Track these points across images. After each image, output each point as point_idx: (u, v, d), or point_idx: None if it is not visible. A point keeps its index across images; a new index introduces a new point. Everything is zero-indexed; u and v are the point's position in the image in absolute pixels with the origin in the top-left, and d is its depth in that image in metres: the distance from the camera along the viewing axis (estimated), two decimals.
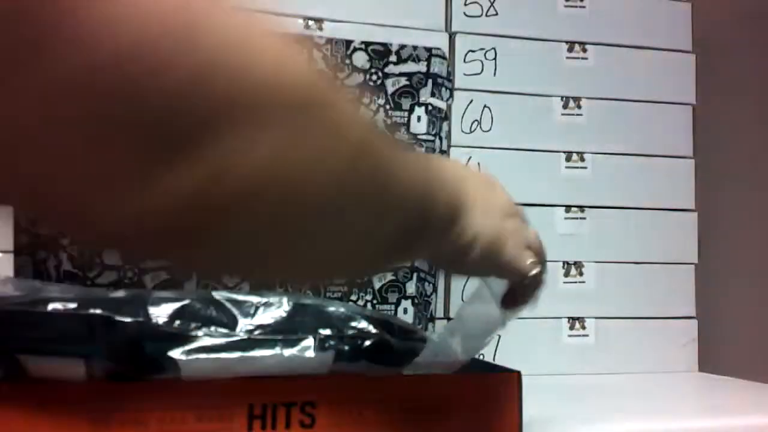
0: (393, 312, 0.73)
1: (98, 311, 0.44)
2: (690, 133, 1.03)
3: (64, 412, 0.44)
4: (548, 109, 0.98)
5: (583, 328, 0.97)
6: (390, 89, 0.70)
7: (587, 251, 0.98)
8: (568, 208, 0.98)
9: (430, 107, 0.72)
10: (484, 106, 0.96)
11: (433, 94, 0.72)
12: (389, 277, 0.73)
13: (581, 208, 0.98)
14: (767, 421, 0.71)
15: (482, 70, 0.96)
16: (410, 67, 0.71)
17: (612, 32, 1.01)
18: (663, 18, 1.03)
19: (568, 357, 0.96)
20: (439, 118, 0.73)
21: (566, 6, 1.00)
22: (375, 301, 0.72)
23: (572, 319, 0.96)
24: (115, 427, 0.44)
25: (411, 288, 0.74)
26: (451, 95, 0.72)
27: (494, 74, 0.96)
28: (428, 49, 0.71)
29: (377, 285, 0.72)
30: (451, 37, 0.96)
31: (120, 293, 0.47)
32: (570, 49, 0.99)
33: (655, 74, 1.02)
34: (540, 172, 0.97)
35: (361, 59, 0.69)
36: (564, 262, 0.97)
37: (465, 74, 0.95)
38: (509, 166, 0.96)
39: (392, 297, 0.73)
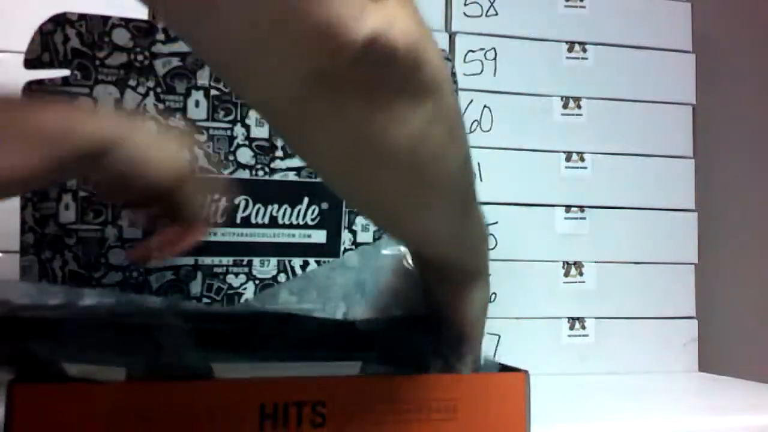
0: None
1: (137, 320, 0.45)
2: (690, 133, 1.03)
3: (81, 412, 0.44)
4: (548, 109, 0.98)
5: (583, 328, 0.97)
6: None
7: (587, 251, 0.98)
8: (568, 208, 0.98)
9: None
10: (484, 106, 0.96)
11: None
12: None
13: (581, 208, 0.98)
14: (767, 421, 0.71)
15: (482, 70, 0.96)
16: None
17: (612, 32, 1.01)
18: (663, 18, 1.03)
19: (568, 357, 0.96)
20: None
21: (566, 6, 1.00)
22: None
23: (572, 319, 0.97)
24: (129, 426, 0.45)
25: None
26: (457, 95, 0.73)
27: (494, 74, 0.97)
28: None
29: None
30: (451, 37, 0.96)
31: (155, 301, 0.48)
32: (570, 49, 1.00)
33: (655, 74, 1.02)
34: (540, 172, 0.97)
35: None
36: (564, 262, 0.97)
37: (465, 74, 0.95)
38: (509, 166, 0.96)
39: None
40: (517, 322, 0.94)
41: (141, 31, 0.66)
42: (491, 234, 0.94)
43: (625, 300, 0.98)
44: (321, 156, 0.43)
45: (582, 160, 0.98)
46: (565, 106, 0.99)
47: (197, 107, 0.67)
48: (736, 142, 1.11)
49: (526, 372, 0.53)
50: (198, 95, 0.67)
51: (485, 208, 0.95)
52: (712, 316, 1.04)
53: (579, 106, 0.99)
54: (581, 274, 0.97)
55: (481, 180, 0.94)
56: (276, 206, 0.68)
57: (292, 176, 0.68)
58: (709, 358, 1.01)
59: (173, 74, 0.67)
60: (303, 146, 0.43)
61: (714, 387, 0.93)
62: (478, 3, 0.97)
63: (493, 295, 0.93)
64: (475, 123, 0.95)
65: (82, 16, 0.65)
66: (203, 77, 0.67)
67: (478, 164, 0.94)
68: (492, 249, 0.94)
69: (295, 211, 0.68)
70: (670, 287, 1.00)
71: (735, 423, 0.71)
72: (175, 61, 0.67)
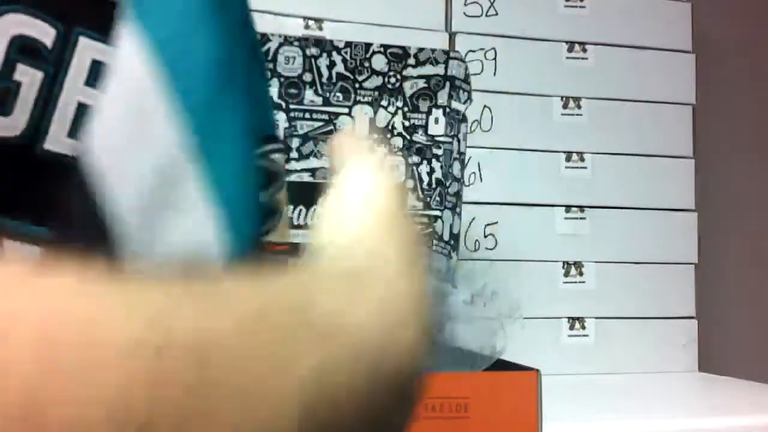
0: None
1: None
2: (690, 133, 1.03)
3: None
4: (548, 109, 0.98)
5: (583, 328, 0.97)
6: (408, 92, 0.71)
7: (587, 251, 0.98)
8: (568, 208, 0.98)
9: (448, 109, 0.73)
10: (484, 106, 0.96)
11: (450, 96, 0.73)
12: None
13: (581, 208, 0.98)
14: (767, 421, 0.71)
15: (482, 70, 0.96)
16: (428, 69, 0.71)
17: (612, 32, 1.01)
18: (663, 18, 1.03)
19: (568, 357, 0.96)
20: (457, 120, 0.74)
21: (566, 6, 1.00)
22: None
23: (572, 319, 0.97)
24: None
25: None
26: (470, 97, 0.73)
27: (494, 74, 0.96)
28: (446, 52, 0.72)
29: None
30: (451, 37, 0.96)
31: None
32: (570, 49, 0.99)
33: (655, 74, 1.02)
34: (540, 172, 0.97)
35: (379, 62, 0.71)
36: (564, 262, 0.97)
37: None
38: (509, 166, 0.96)
39: None
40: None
41: None
42: (491, 234, 0.94)
43: (625, 300, 0.98)
44: None
45: (582, 160, 0.98)
46: (565, 106, 0.99)
47: None
48: (736, 142, 1.12)
49: (537, 371, 0.53)
50: None
51: (485, 208, 0.95)
52: (712, 316, 1.04)
53: (579, 106, 0.99)
54: (581, 274, 0.97)
55: (481, 180, 0.94)
56: (291, 207, 0.69)
57: (306, 177, 0.69)
58: (709, 358, 1.01)
59: None
60: None
61: (714, 387, 0.93)
62: (478, 3, 0.97)
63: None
64: (475, 123, 0.95)
65: None
66: None
67: (478, 164, 0.94)
68: (492, 249, 0.94)
69: (310, 212, 0.69)
70: (670, 287, 1.00)
71: (735, 423, 0.71)
72: None
